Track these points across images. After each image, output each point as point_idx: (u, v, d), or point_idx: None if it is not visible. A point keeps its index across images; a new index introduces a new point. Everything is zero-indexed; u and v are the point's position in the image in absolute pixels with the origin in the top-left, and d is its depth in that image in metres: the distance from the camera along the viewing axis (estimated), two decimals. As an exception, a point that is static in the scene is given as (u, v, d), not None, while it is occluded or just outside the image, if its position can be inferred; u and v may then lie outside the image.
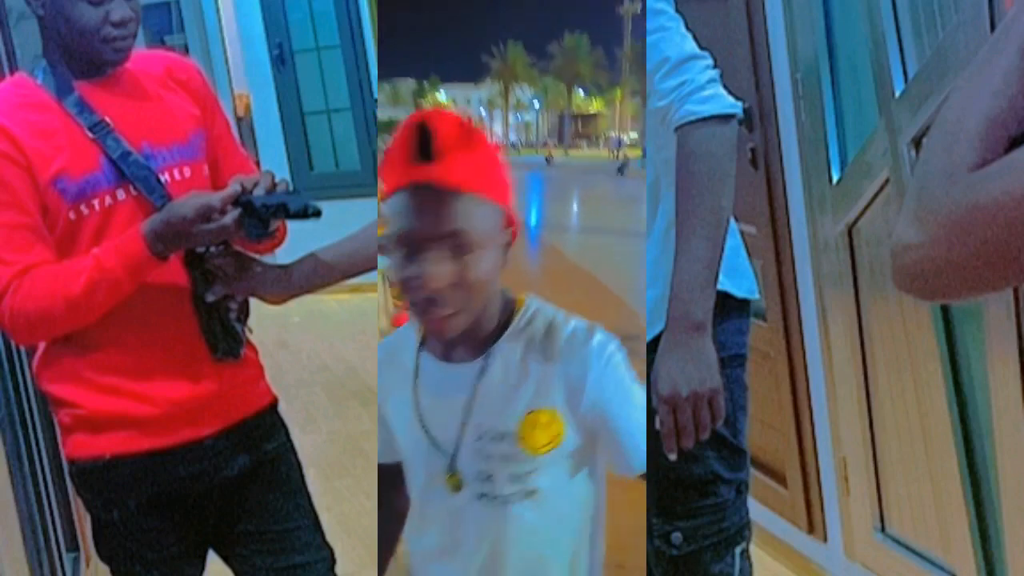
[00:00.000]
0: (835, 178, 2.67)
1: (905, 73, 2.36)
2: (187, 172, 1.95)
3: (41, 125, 1.87)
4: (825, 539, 2.99)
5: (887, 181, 2.45)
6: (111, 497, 1.98)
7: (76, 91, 1.90)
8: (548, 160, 37.97)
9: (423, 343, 1.38)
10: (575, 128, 46.49)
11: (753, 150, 2.92)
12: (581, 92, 46.68)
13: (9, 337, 2.25)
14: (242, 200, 1.82)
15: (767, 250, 2.94)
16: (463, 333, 1.29)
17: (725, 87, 1.84)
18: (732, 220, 1.88)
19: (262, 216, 1.83)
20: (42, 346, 1.98)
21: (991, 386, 2.22)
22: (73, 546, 3.00)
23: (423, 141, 1.22)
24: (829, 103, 2.68)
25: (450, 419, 1.33)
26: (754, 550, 2.09)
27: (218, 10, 7.77)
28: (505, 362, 1.31)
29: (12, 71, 2.81)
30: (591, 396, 1.27)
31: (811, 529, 3.02)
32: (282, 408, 2.13)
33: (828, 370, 2.82)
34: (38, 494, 2.65)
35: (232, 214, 1.82)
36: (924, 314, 2.39)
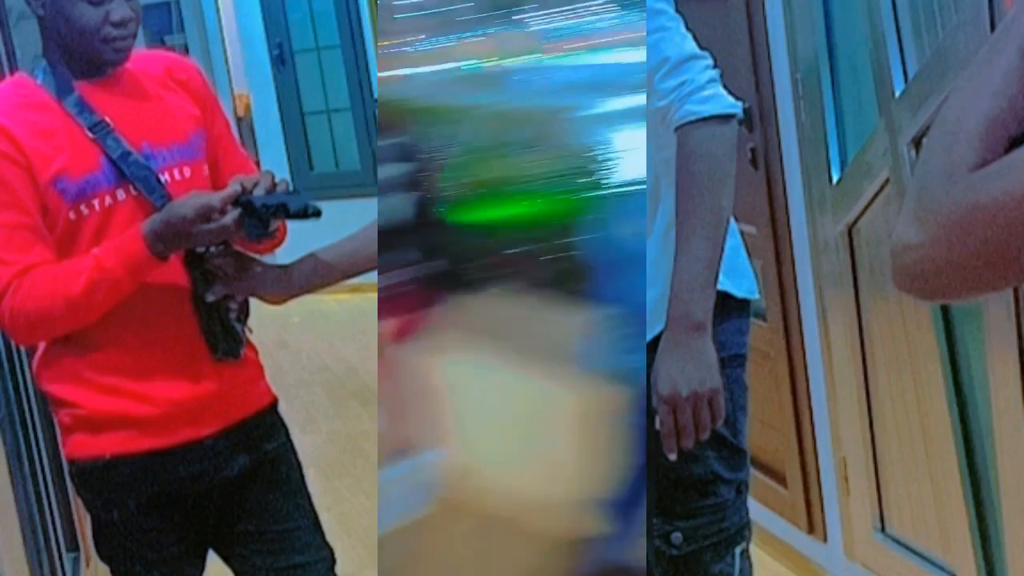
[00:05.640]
0: (835, 178, 2.67)
1: (905, 73, 2.36)
2: (187, 172, 1.95)
3: (41, 125, 1.87)
4: (825, 539, 2.99)
5: (887, 181, 2.45)
6: (111, 497, 1.98)
7: (76, 91, 1.90)
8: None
9: None
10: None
11: (753, 150, 2.92)
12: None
13: (9, 337, 2.25)
14: (242, 200, 1.82)
15: (767, 250, 2.94)
16: None
17: (725, 87, 1.83)
18: (732, 220, 1.88)
19: (262, 216, 1.83)
20: (42, 346, 1.98)
21: (991, 386, 2.21)
22: (73, 546, 3.00)
23: None
24: (829, 103, 2.68)
25: None
26: (754, 550, 2.09)
27: (218, 10, 7.76)
28: None
29: (12, 71, 2.81)
30: None
31: (811, 529, 3.02)
32: (282, 408, 2.13)
33: (828, 370, 2.82)
34: (38, 494, 2.65)
35: (232, 214, 1.82)
36: (924, 314, 2.39)
